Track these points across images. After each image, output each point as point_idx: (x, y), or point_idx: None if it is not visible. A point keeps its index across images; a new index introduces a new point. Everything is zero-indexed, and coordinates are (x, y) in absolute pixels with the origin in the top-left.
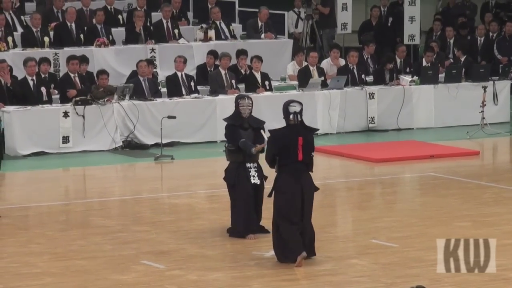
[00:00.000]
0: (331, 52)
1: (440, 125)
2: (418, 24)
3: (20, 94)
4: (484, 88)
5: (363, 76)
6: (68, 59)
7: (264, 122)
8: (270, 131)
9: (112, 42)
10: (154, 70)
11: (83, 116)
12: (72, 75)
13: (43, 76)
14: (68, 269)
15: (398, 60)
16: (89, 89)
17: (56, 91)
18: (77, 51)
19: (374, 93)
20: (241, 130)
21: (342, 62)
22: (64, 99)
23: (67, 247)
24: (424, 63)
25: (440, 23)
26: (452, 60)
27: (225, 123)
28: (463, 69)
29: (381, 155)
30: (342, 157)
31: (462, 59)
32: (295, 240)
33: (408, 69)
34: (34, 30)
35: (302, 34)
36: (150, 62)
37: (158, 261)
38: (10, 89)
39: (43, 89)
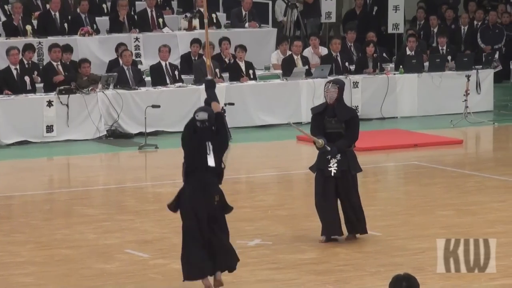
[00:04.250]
0: (310, 41)
1: (423, 114)
2: (402, 13)
3: (3, 83)
4: (468, 77)
5: (346, 64)
6: (50, 47)
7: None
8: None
9: (96, 31)
10: (138, 59)
11: (67, 105)
12: (55, 63)
13: (26, 63)
14: (52, 258)
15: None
16: (75, 76)
17: (39, 78)
18: (61, 40)
19: (358, 82)
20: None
21: (324, 50)
22: (48, 88)
23: (51, 236)
24: (408, 52)
25: (424, 12)
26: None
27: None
28: (449, 57)
29: (364, 144)
30: None
31: (444, 47)
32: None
33: (383, 54)
34: (16, 19)
35: (287, 23)
36: (124, 44)
37: (142, 250)
38: None
39: (27, 78)
